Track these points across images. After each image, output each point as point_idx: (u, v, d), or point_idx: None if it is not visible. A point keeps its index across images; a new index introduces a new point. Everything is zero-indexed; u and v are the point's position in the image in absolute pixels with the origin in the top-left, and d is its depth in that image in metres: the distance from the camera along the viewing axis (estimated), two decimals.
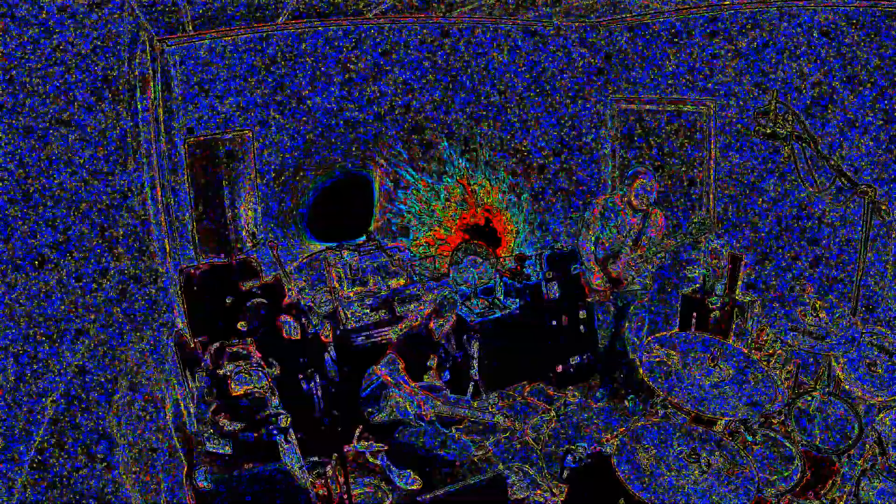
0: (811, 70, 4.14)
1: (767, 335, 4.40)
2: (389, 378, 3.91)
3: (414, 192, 5.58)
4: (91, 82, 2.22)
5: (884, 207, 3.20)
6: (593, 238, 4.60)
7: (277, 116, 4.84)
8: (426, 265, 5.66)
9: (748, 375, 3.05)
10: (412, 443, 3.88)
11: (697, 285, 4.93)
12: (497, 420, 4.22)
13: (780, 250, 4.60)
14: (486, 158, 5.82)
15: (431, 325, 4.09)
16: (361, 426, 4.14)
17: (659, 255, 4.48)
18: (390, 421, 3.96)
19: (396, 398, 3.94)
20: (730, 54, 4.64)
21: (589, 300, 4.87)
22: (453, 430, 4.02)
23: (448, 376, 4.36)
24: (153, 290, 3.15)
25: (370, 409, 4.01)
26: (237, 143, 4.67)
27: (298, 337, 4.11)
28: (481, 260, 5.24)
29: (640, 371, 3.08)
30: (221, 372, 3.25)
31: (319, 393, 4.01)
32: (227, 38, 4.51)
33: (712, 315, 4.78)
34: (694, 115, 5.13)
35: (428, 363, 4.13)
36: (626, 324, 4.71)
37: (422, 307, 4.36)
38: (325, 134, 5.07)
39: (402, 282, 4.97)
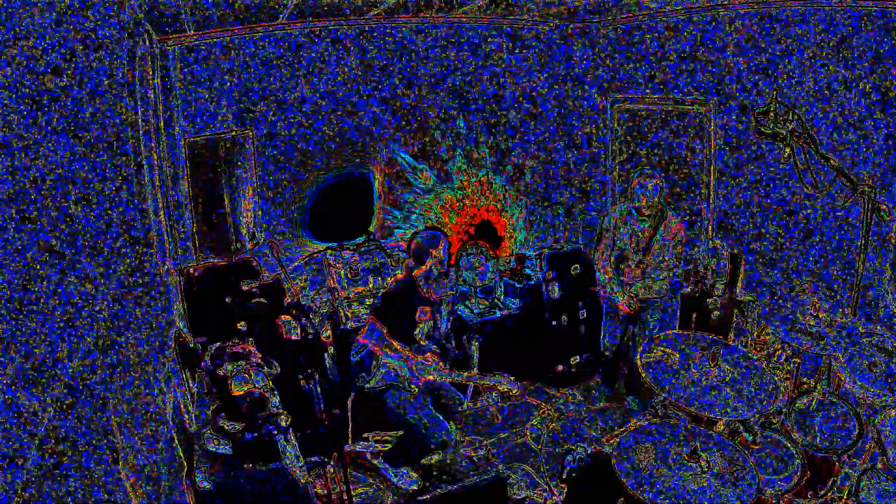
0: (811, 69, 4.14)
1: (767, 335, 4.41)
2: (376, 347, 3.71)
3: (415, 192, 5.58)
4: (91, 82, 2.22)
5: (883, 207, 3.20)
6: (611, 253, 4.44)
7: (277, 116, 4.84)
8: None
9: (748, 375, 3.05)
10: (397, 411, 3.75)
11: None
12: (503, 386, 3.80)
13: (779, 249, 4.60)
14: (487, 158, 5.82)
15: (417, 273, 3.78)
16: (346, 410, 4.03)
17: (670, 268, 4.36)
18: (382, 387, 3.81)
19: (387, 362, 3.76)
20: (730, 54, 4.64)
21: (594, 289, 4.77)
22: (452, 428, 3.95)
23: (445, 325, 4.15)
24: (153, 290, 3.15)
25: (361, 376, 3.86)
26: (237, 143, 4.67)
27: (298, 337, 4.11)
28: (481, 260, 5.24)
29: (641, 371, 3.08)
30: (221, 372, 3.25)
31: (319, 393, 4.01)
32: (227, 38, 4.51)
33: (712, 315, 4.79)
34: (694, 115, 5.13)
35: (417, 317, 3.84)
36: (636, 328, 4.59)
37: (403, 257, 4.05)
38: (326, 133, 5.07)
39: None
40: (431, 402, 3.99)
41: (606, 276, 4.48)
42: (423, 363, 3.70)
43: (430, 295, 3.87)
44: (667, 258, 4.34)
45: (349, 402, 4.03)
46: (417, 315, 3.83)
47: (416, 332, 3.84)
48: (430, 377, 3.78)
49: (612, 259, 4.45)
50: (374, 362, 3.82)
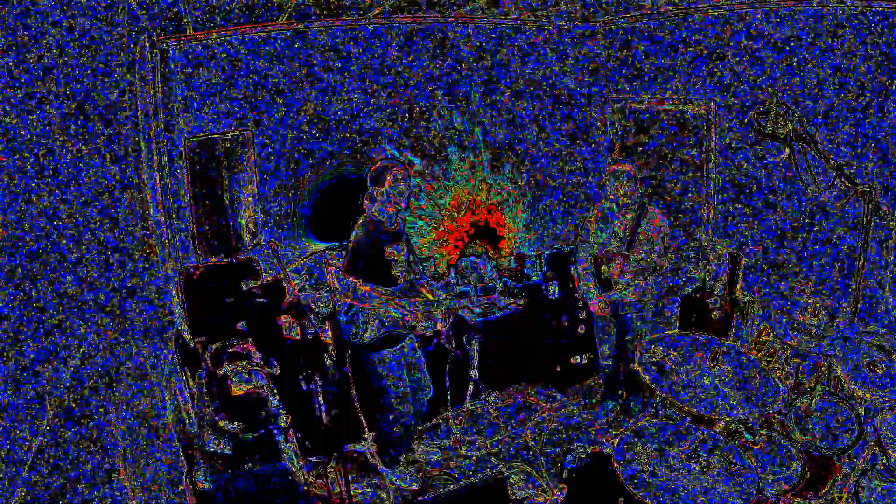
0: (812, 69, 4.15)
1: (768, 335, 4.41)
2: (356, 301, 3.59)
3: (414, 192, 5.58)
4: (91, 82, 2.22)
5: (883, 208, 3.20)
6: (591, 254, 4.34)
7: (277, 117, 4.84)
8: (426, 265, 5.66)
9: (748, 375, 3.05)
10: (379, 374, 3.72)
11: (697, 285, 4.94)
12: (504, 302, 3.77)
13: (778, 248, 4.60)
14: (487, 158, 5.83)
15: (372, 213, 3.62)
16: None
17: (656, 266, 4.20)
18: (377, 337, 3.70)
19: (375, 310, 3.63)
20: (731, 54, 4.64)
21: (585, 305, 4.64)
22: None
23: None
24: (153, 291, 3.15)
25: (353, 331, 3.72)
26: (237, 143, 4.67)
27: (298, 337, 4.11)
28: (482, 260, 5.24)
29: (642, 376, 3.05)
30: (221, 372, 3.26)
31: (320, 393, 4.00)
32: (227, 38, 4.51)
33: (712, 315, 4.78)
34: (694, 115, 5.13)
35: (388, 256, 3.65)
36: (629, 336, 4.44)
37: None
38: (326, 134, 5.07)
39: None
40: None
41: (583, 275, 4.39)
42: (411, 300, 3.57)
43: (394, 227, 3.70)
44: (654, 253, 4.19)
45: (348, 363, 3.99)
46: (388, 254, 3.65)
47: (394, 270, 3.68)
48: (425, 309, 3.62)
49: (591, 258, 4.35)
50: (361, 316, 3.69)
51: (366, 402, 4.08)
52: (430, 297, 3.64)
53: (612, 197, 4.19)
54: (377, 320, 3.69)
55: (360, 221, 3.69)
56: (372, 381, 3.87)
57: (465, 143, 5.70)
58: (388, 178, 3.57)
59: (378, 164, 3.68)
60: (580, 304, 5.07)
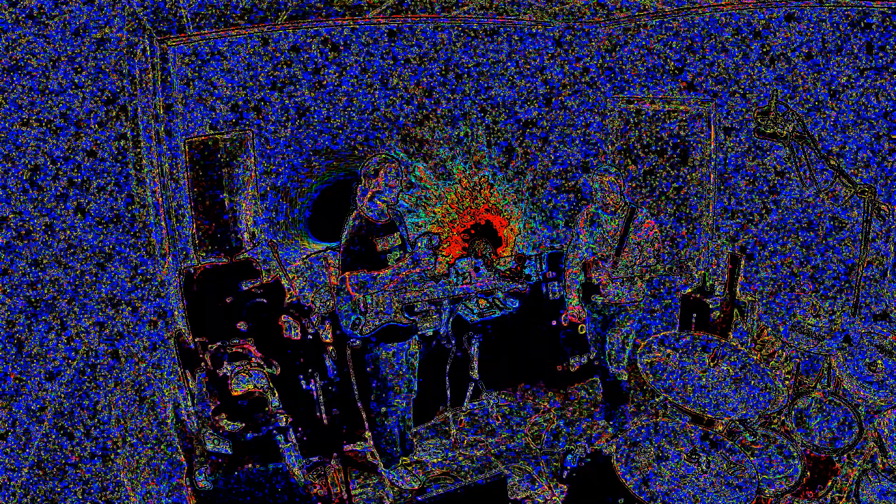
0: (811, 69, 4.14)
1: (768, 335, 4.40)
2: (357, 292, 3.61)
3: (415, 192, 5.58)
4: (91, 82, 2.22)
5: (883, 207, 3.20)
6: (580, 259, 4.29)
7: (278, 117, 4.84)
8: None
9: (748, 375, 3.06)
10: (375, 364, 3.75)
11: (698, 285, 4.94)
12: (508, 288, 3.85)
13: (779, 249, 4.60)
14: (487, 160, 5.82)
15: (365, 207, 3.66)
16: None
17: (646, 270, 4.08)
18: (379, 325, 3.71)
19: (372, 298, 3.66)
20: (730, 53, 4.64)
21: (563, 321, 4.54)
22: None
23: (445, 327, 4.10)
24: (153, 291, 3.15)
25: (355, 321, 3.71)
26: (237, 142, 4.67)
27: (298, 337, 4.11)
28: (485, 257, 5.25)
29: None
30: (221, 372, 3.26)
31: (319, 393, 4.01)
32: (227, 38, 4.51)
33: (712, 315, 4.78)
34: (694, 116, 5.13)
35: (381, 248, 3.70)
36: (610, 335, 4.35)
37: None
38: (326, 135, 5.07)
39: None
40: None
41: (568, 280, 4.38)
42: (413, 267, 3.65)
43: (386, 221, 3.75)
44: (644, 258, 4.08)
45: (348, 360, 4.02)
46: (380, 247, 3.68)
47: (389, 259, 3.72)
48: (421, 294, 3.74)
49: (580, 263, 4.30)
50: (361, 302, 3.71)
51: (366, 400, 4.09)
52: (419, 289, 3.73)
53: (599, 203, 4.19)
54: (376, 310, 3.70)
55: (352, 217, 3.74)
56: (373, 375, 3.88)
57: (467, 144, 5.70)
58: (381, 172, 3.62)
59: (372, 159, 3.73)
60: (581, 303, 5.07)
